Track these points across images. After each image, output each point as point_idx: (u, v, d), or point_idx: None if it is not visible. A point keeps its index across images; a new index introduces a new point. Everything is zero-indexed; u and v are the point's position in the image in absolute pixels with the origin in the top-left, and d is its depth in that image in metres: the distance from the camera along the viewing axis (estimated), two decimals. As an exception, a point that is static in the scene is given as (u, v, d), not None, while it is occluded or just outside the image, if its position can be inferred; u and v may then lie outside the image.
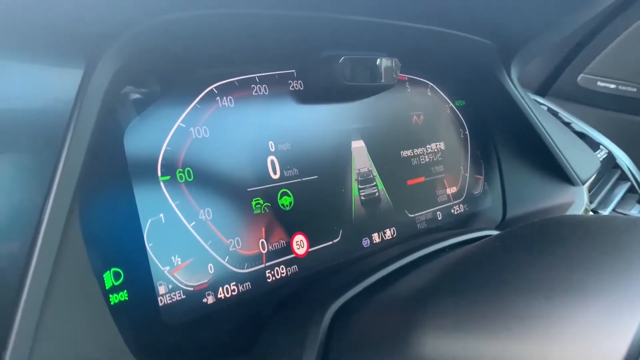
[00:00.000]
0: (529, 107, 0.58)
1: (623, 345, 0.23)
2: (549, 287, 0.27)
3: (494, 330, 0.26)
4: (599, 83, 0.78)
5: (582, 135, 0.75)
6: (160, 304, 0.31)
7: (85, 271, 0.27)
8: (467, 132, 0.58)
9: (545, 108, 0.75)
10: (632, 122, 0.77)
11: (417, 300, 0.31)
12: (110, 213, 0.30)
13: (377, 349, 0.30)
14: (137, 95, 0.32)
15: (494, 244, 0.37)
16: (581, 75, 0.79)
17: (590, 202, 0.65)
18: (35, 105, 0.26)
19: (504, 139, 0.60)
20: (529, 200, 0.61)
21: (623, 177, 0.75)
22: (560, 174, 0.61)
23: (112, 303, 0.29)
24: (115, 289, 0.29)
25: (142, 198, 0.31)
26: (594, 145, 0.74)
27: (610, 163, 0.74)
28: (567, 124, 0.74)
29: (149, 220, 0.31)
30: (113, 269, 0.29)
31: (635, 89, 0.76)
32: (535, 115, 0.58)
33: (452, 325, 0.27)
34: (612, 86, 0.77)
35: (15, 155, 0.25)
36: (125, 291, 0.30)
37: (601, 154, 0.72)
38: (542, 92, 0.81)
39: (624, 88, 0.76)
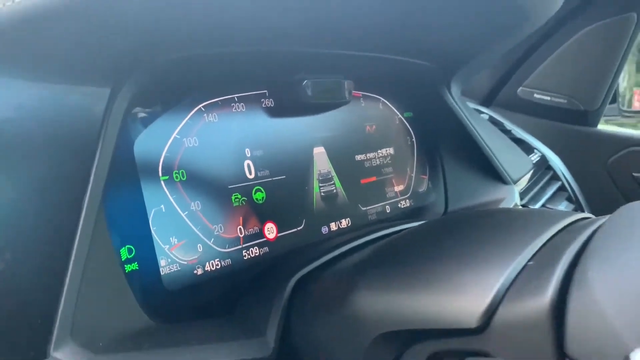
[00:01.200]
0: (466, 117, 0.69)
1: (488, 295, 0.33)
2: (446, 256, 0.38)
3: (404, 288, 0.36)
4: (535, 95, 0.89)
5: (520, 141, 0.86)
6: (162, 273, 0.40)
7: (108, 247, 0.37)
8: (414, 139, 0.68)
9: (487, 117, 0.86)
10: (563, 129, 0.89)
11: (356, 269, 0.41)
12: (125, 204, 0.39)
13: (327, 307, 0.40)
14: (143, 114, 0.41)
15: (421, 228, 0.47)
16: (520, 88, 0.90)
17: (522, 198, 0.76)
18: (73, 121, 0.34)
19: (446, 144, 0.71)
20: (467, 197, 0.71)
21: (555, 177, 0.86)
22: (494, 174, 0.71)
23: (126, 271, 0.38)
24: (128, 261, 0.39)
25: (148, 193, 0.40)
26: (529, 150, 0.85)
27: (543, 165, 0.85)
28: (507, 131, 0.85)
29: (153, 210, 0.41)
30: (127, 246, 0.39)
31: (565, 100, 0.87)
32: (472, 125, 0.69)
33: (380, 285, 0.37)
34: (547, 98, 0.88)
35: (59, 160, 0.34)
36: (136, 262, 0.39)
37: (535, 157, 0.83)
38: (487, 102, 0.91)
39: (556, 99, 0.88)
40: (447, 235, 0.43)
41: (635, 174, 0.86)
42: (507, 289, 0.33)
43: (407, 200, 0.65)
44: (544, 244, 0.38)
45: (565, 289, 0.32)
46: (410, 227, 0.49)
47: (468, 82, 0.74)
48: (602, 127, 0.91)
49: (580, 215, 0.44)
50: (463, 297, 0.34)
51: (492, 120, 0.84)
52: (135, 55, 0.36)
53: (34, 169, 0.32)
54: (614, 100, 0.99)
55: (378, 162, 0.61)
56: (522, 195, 0.76)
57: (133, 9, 0.32)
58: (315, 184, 0.53)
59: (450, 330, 0.33)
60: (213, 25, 0.38)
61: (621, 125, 0.98)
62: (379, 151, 0.62)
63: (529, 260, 0.36)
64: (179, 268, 0.41)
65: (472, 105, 0.86)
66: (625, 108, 1.02)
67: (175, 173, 0.42)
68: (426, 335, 0.35)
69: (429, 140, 0.70)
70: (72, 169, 0.33)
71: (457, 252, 0.39)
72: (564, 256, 0.34)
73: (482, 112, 0.86)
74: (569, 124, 0.88)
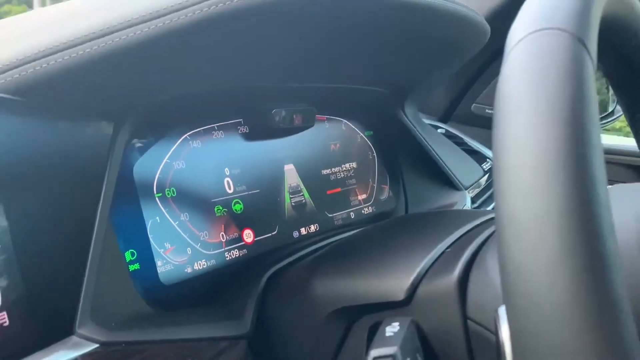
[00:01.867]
0: (420, 134, 0.79)
1: (412, 275, 0.43)
2: (384, 247, 0.48)
3: (348, 273, 0.46)
4: (487, 110, 0.99)
5: (474, 152, 0.96)
6: (159, 272, 0.50)
7: (116, 250, 0.46)
8: (375, 154, 0.78)
9: (444, 131, 0.96)
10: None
11: (314, 261, 0.51)
12: (127, 216, 0.49)
13: (291, 293, 0.49)
14: (140, 144, 0.51)
15: (369, 228, 0.57)
16: (473, 104, 1.01)
17: (474, 202, 0.86)
18: (85, 151, 0.44)
19: (404, 158, 0.81)
20: (425, 202, 0.81)
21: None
22: (447, 182, 0.81)
23: (130, 270, 0.48)
24: (132, 262, 0.48)
25: (145, 207, 0.50)
26: (483, 159, 0.96)
27: (496, 172, 0.95)
28: (462, 144, 0.95)
29: (150, 221, 0.50)
30: (130, 250, 0.48)
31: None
32: (426, 140, 0.79)
33: (331, 271, 0.47)
34: (497, 112, 0.98)
35: (76, 183, 0.43)
36: (138, 263, 0.49)
37: (487, 165, 0.94)
38: (445, 119, 1.02)
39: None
40: (389, 232, 0.54)
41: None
42: (427, 270, 0.43)
43: (370, 207, 0.75)
44: (462, 236, 0.48)
45: (468, 269, 0.42)
46: (363, 229, 0.59)
47: (421, 103, 0.84)
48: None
49: (499, 213, 0.54)
50: (393, 277, 0.44)
51: (449, 135, 0.94)
52: (134, 97, 0.46)
53: (57, 190, 0.41)
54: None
55: (342, 175, 0.71)
56: (475, 199, 0.86)
57: (134, 67, 0.42)
58: (287, 195, 0.63)
59: (384, 303, 0.43)
60: (195, 71, 0.48)
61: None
62: (342, 165, 0.72)
63: (447, 248, 0.46)
64: (172, 267, 0.51)
65: (430, 121, 0.96)
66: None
67: (167, 190, 0.52)
68: (367, 310, 0.44)
69: (389, 154, 0.80)
70: (86, 190, 0.43)
71: (393, 244, 0.49)
72: (471, 245, 0.44)
73: (439, 127, 0.96)
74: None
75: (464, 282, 0.41)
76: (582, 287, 0.23)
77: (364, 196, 0.74)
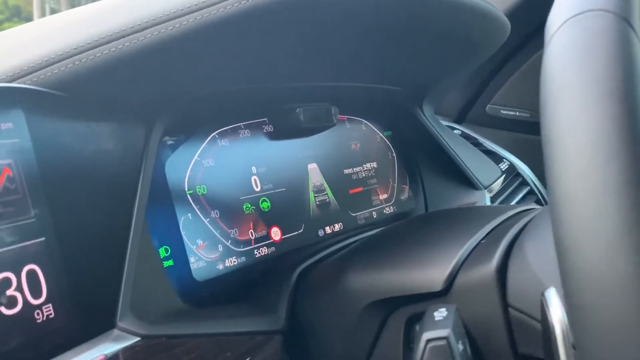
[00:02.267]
0: (439, 133, 0.79)
1: (449, 265, 0.43)
2: (418, 240, 0.48)
3: (384, 265, 0.46)
4: (502, 111, 1.00)
5: (490, 152, 0.96)
6: (192, 268, 0.50)
7: (151, 247, 0.46)
8: (394, 154, 0.78)
9: (460, 132, 0.96)
10: (528, 140, 1.00)
11: (347, 256, 0.51)
12: (161, 214, 0.49)
13: (325, 287, 0.49)
14: (171, 142, 0.52)
15: (399, 223, 0.57)
16: (488, 105, 1.01)
17: (493, 202, 0.86)
18: (122, 150, 0.44)
19: (423, 158, 0.81)
20: (444, 202, 0.81)
21: (524, 183, 0.96)
22: (467, 181, 0.81)
23: (165, 266, 0.48)
24: (166, 258, 0.48)
25: (178, 204, 0.50)
26: (499, 159, 0.96)
27: (512, 172, 0.95)
28: (478, 144, 0.95)
29: (182, 218, 0.51)
30: (164, 247, 0.49)
31: (529, 114, 0.98)
32: (444, 139, 0.79)
33: (365, 265, 0.47)
34: (512, 113, 0.99)
35: (114, 181, 0.43)
36: (172, 260, 0.49)
37: (504, 165, 0.94)
38: (460, 120, 1.03)
39: (520, 114, 0.99)
40: (419, 226, 0.54)
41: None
42: (464, 260, 0.43)
43: (391, 207, 0.75)
44: (494, 227, 0.48)
45: (507, 257, 0.42)
46: (389, 225, 0.59)
47: (439, 102, 0.85)
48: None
49: (527, 206, 0.54)
50: (430, 268, 0.44)
51: (465, 135, 0.95)
52: (165, 97, 0.46)
53: (96, 188, 0.41)
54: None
55: (364, 175, 0.72)
56: (494, 199, 0.86)
57: (167, 62, 0.42)
58: (311, 194, 0.63)
59: (421, 294, 0.43)
60: (223, 71, 0.48)
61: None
62: (363, 165, 0.72)
63: (481, 239, 0.46)
64: (204, 264, 0.51)
65: (446, 123, 0.97)
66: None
67: (198, 188, 0.52)
68: (404, 301, 0.44)
69: (408, 154, 0.80)
70: (123, 187, 0.43)
71: (426, 237, 0.49)
72: (507, 234, 0.44)
73: (455, 129, 0.97)
74: (534, 135, 0.99)
75: (503, 270, 0.41)
76: None
77: (385, 196, 0.74)
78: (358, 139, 0.73)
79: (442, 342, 0.33)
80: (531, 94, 0.98)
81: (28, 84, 0.38)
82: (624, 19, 0.29)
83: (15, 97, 0.37)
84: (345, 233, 0.65)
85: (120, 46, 0.40)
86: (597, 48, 0.28)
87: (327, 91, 0.65)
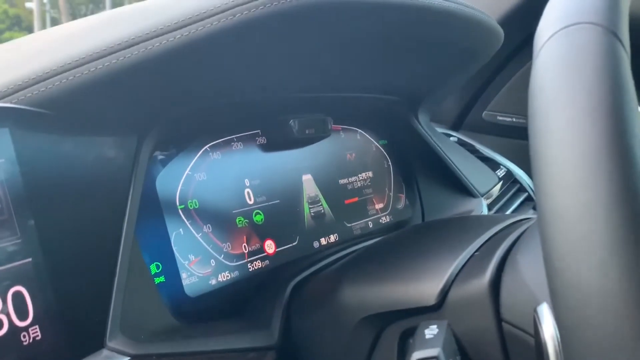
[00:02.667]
0: (435, 141, 0.79)
1: (442, 280, 0.42)
2: (411, 253, 0.47)
3: (377, 280, 0.45)
4: (498, 117, 0.99)
5: (487, 159, 0.96)
6: (184, 284, 0.50)
7: (142, 264, 0.46)
8: (390, 163, 0.78)
9: (456, 139, 0.96)
10: (525, 145, 0.99)
11: (340, 269, 0.50)
12: (152, 229, 0.48)
13: (318, 302, 0.49)
14: (162, 156, 0.51)
15: (392, 235, 0.57)
16: (485, 112, 1.01)
17: (490, 209, 0.85)
18: (110, 165, 0.44)
19: (419, 166, 0.81)
20: (441, 210, 0.81)
21: (521, 190, 0.96)
22: (463, 189, 0.81)
23: (156, 282, 0.47)
24: (157, 275, 0.48)
25: (169, 219, 0.50)
26: (496, 166, 0.95)
27: (509, 178, 0.95)
28: (475, 151, 0.95)
29: (174, 233, 0.50)
30: (155, 263, 0.48)
31: (525, 120, 0.98)
32: (440, 147, 0.79)
33: (358, 279, 0.47)
34: (508, 119, 0.99)
35: (102, 196, 0.43)
36: (163, 276, 0.48)
37: (501, 172, 0.93)
38: (456, 127, 1.02)
39: (517, 120, 0.98)
40: (413, 238, 0.53)
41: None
42: (457, 274, 0.43)
43: (387, 217, 0.74)
44: (488, 239, 0.47)
45: (500, 271, 0.41)
46: (384, 236, 0.58)
47: (434, 111, 0.84)
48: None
49: (523, 216, 0.54)
50: (423, 282, 0.43)
51: (461, 142, 0.94)
52: (156, 111, 0.46)
53: (84, 204, 0.41)
54: None
55: (359, 185, 0.71)
56: (491, 206, 0.85)
57: (156, 78, 0.42)
58: (306, 205, 0.63)
59: (415, 309, 0.43)
60: (214, 85, 0.48)
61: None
62: (359, 175, 0.72)
63: (475, 251, 0.45)
64: (197, 279, 0.51)
65: (442, 130, 0.96)
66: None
67: (190, 202, 0.52)
68: (398, 316, 0.44)
69: (404, 163, 0.79)
70: (112, 203, 0.43)
71: (419, 249, 0.48)
72: (500, 247, 0.44)
73: (452, 136, 0.96)
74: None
75: (496, 284, 0.40)
76: (637, 277, 0.23)
77: (381, 205, 0.74)
78: (353, 148, 0.72)
79: (432, 362, 0.33)
80: (527, 100, 0.98)
81: (14, 103, 0.38)
82: (611, 32, 0.28)
83: (0, 116, 0.36)
84: (341, 244, 0.65)
85: (107, 63, 0.39)
86: (585, 61, 0.27)
87: (321, 101, 0.65)
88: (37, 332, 0.36)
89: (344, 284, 0.47)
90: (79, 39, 0.43)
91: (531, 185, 0.97)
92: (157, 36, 0.39)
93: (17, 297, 0.35)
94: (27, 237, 0.36)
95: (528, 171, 0.97)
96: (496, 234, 0.48)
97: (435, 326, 0.37)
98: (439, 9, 0.50)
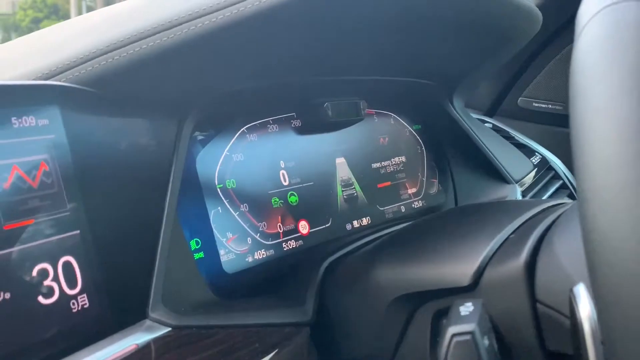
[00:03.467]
0: (469, 127, 0.78)
1: (477, 260, 0.42)
2: (447, 235, 0.48)
3: (412, 260, 0.46)
4: (534, 104, 0.98)
5: (522, 146, 0.95)
6: (222, 260, 0.51)
7: (182, 239, 0.47)
8: (423, 148, 0.78)
9: (491, 126, 0.95)
10: (560, 133, 0.98)
11: (374, 250, 0.51)
12: (192, 207, 0.50)
13: (352, 281, 0.50)
14: (201, 137, 0.52)
15: (427, 217, 0.57)
16: (520, 98, 0.99)
17: (524, 196, 0.85)
18: (154, 145, 0.45)
19: (453, 151, 0.80)
20: (475, 196, 0.80)
21: (556, 177, 0.95)
22: (498, 175, 0.80)
23: (195, 258, 0.49)
24: (196, 251, 0.50)
25: (208, 198, 0.51)
26: (531, 153, 0.94)
27: (544, 165, 0.94)
28: (510, 138, 0.94)
29: (212, 211, 0.51)
30: (195, 239, 0.50)
31: (561, 107, 0.96)
32: (475, 133, 0.78)
33: (393, 259, 0.47)
34: (544, 106, 0.97)
35: (147, 175, 0.44)
36: (202, 252, 0.50)
37: (536, 159, 0.92)
38: (491, 113, 1.01)
39: (553, 107, 0.97)
40: (448, 221, 0.53)
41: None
42: (492, 255, 0.43)
43: (420, 201, 0.74)
44: (524, 222, 0.47)
45: (536, 253, 0.41)
46: (418, 219, 0.58)
47: (469, 95, 0.84)
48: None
49: (557, 201, 0.53)
50: (458, 263, 0.43)
51: (496, 129, 0.93)
52: (195, 93, 0.47)
53: (128, 183, 0.43)
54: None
55: (392, 169, 0.72)
56: (525, 193, 0.84)
57: (197, 59, 0.43)
58: (339, 188, 0.63)
59: (449, 289, 0.43)
60: (252, 66, 0.49)
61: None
62: (392, 159, 0.72)
63: (511, 234, 0.46)
64: (234, 256, 0.52)
65: (477, 116, 0.96)
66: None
67: (228, 182, 0.53)
68: (431, 296, 0.44)
69: (437, 148, 0.79)
70: (155, 181, 0.44)
71: (454, 232, 0.49)
72: (536, 229, 0.44)
73: (486, 122, 0.95)
74: (567, 128, 0.97)
75: (532, 265, 0.41)
76: None
77: (413, 190, 0.74)
78: (386, 133, 0.73)
79: (468, 337, 0.33)
80: (564, 86, 0.96)
81: (63, 82, 0.40)
82: None
83: (51, 94, 0.38)
84: (373, 227, 0.66)
85: (151, 43, 0.40)
86: (631, 39, 0.27)
87: (355, 85, 0.65)
88: (85, 300, 0.37)
89: (378, 265, 0.48)
90: (123, 20, 0.44)
91: (566, 173, 0.95)
92: (198, 17, 0.40)
93: (67, 266, 0.37)
94: (75, 210, 0.38)
95: (563, 158, 0.95)
96: (532, 217, 0.48)
97: (470, 304, 0.37)
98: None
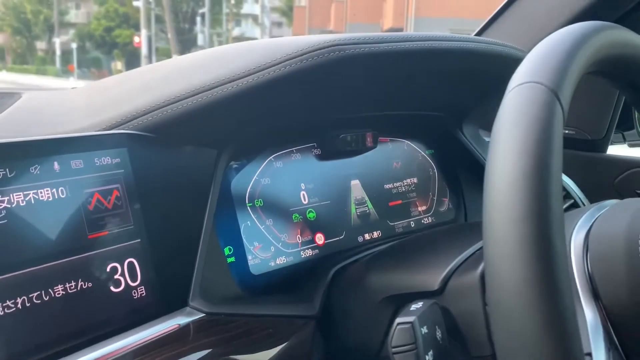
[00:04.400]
0: (479, 152, 0.88)
1: (445, 270, 0.53)
2: (430, 248, 0.59)
3: (397, 268, 0.57)
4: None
5: (535, 167, 1.03)
6: (249, 264, 0.64)
7: (218, 247, 0.61)
8: (435, 170, 0.88)
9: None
10: (574, 155, 1.05)
11: (372, 259, 0.63)
12: (226, 221, 0.63)
13: (352, 284, 0.61)
14: (236, 165, 0.66)
15: (425, 232, 0.68)
16: (535, 122, 1.07)
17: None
18: (197, 171, 0.58)
19: (464, 173, 0.90)
20: (482, 214, 0.90)
21: (567, 196, 1.02)
22: (505, 195, 0.90)
23: (228, 261, 0.62)
24: (229, 256, 0.63)
25: (239, 214, 0.65)
26: (543, 174, 1.02)
27: (556, 186, 1.01)
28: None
29: (243, 225, 0.65)
30: (228, 246, 0.63)
31: (574, 132, 1.04)
32: (484, 157, 0.88)
33: (383, 267, 0.59)
34: (558, 130, 1.05)
35: (191, 196, 0.58)
36: (234, 257, 0.63)
37: (546, 180, 1.00)
38: (507, 135, 1.10)
39: (565, 131, 1.04)
40: (434, 237, 0.64)
41: (638, 191, 1.00)
42: (458, 266, 0.54)
43: (430, 217, 0.85)
44: None
45: None
46: (413, 235, 0.70)
47: (481, 124, 0.93)
48: (613, 152, 1.07)
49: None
50: (430, 272, 0.55)
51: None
52: (232, 132, 0.61)
53: (177, 201, 0.56)
54: (633, 127, 1.14)
55: (403, 189, 0.83)
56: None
57: (235, 108, 0.56)
58: (352, 206, 0.75)
59: (423, 292, 0.54)
60: (278, 111, 0.62)
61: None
62: (404, 181, 0.83)
63: (477, 250, 0.56)
64: (259, 261, 0.65)
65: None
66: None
67: (257, 201, 0.66)
68: (411, 297, 0.55)
69: (449, 170, 0.89)
70: (197, 201, 0.58)
71: (435, 246, 0.60)
72: None
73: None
74: (579, 150, 1.05)
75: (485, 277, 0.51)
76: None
77: (424, 207, 0.85)
78: (400, 157, 0.84)
79: (408, 325, 0.44)
80: (575, 113, 1.04)
81: (130, 129, 0.54)
82: (552, 90, 0.39)
83: (121, 139, 0.52)
84: (383, 239, 0.77)
85: (198, 99, 0.54)
86: (526, 113, 0.38)
87: (370, 119, 0.77)
88: (142, 290, 0.51)
89: (372, 270, 0.60)
90: (178, 78, 0.58)
91: (577, 192, 1.03)
92: (233, 80, 0.53)
93: (130, 265, 0.51)
94: (137, 225, 0.52)
95: (576, 179, 1.03)
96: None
97: (421, 302, 0.48)
98: (459, 50, 0.60)
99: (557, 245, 0.34)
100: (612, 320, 0.43)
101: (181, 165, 0.57)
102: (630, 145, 1.10)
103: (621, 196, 1.03)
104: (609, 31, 0.45)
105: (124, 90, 0.62)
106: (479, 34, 1.07)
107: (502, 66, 0.68)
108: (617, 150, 1.15)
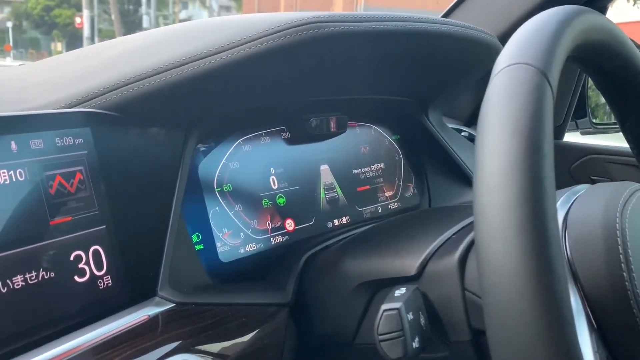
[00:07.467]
0: (443, 138, 0.88)
1: (422, 255, 0.53)
2: (404, 233, 0.58)
3: (372, 253, 0.56)
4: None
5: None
6: (218, 251, 0.62)
7: (186, 233, 0.58)
8: (401, 155, 0.88)
9: (467, 134, 1.05)
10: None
11: (344, 244, 0.62)
12: (194, 207, 0.60)
13: (325, 270, 0.60)
14: (203, 148, 0.63)
15: (393, 218, 0.68)
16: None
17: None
18: (164, 154, 0.55)
19: (428, 159, 0.90)
20: (447, 199, 0.90)
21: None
22: (468, 181, 0.90)
23: (196, 249, 0.60)
24: (197, 243, 0.60)
25: (207, 199, 0.62)
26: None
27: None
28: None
29: (211, 211, 0.62)
30: (196, 233, 0.60)
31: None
32: (448, 143, 0.88)
33: (358, 252, 0.58)
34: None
35: (158, 179, 0.54)
36: (202, 244, 0.60)
37: (507, 166, 1.02)
38: (470, 123, 1.11)
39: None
40: (407, 222, 0.64)
41: (592, 177, 1.04)
42: (435, 251, 0.53)
43: (396, 203, 0.85)
44: (465, 226, 0.57)
45: (467, 252, 0.52)
46: (384, 220, 0.69)
47: (446, 109, 0.94)
48: (566, 139, 1.10)
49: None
50: (407, 257, 0.54)
51: (470, 138, 1.03)
52: (200, 111, 0.58)
53: (142, 185, 0.53)
54: (585, 115, 1.18)
55: (371, 175, 0.82)
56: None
57: (203, 88, 0.53)
58: (322, 191, 0.74)
59: (399, 278, 0.53)
60: (248, 91, 0.59)
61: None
62: (371, 166, 0.82)
63: (453, 234, 0.56)
64: (229, 248, 0.63)
65: (455, 126, 1.05)
66: (596, 121, 1.20)
67: (225, 186, 0.64)
68: (386, 283, 0.55)
69: (414, 156, 0.89)
70: (164, 185, 0.55)
71: (409, 231, 0.59)
72: (471, 233, 0.54)
73: (463, 131, 1.05)
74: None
75: (463, 261, 0.51)
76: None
77: (390, 193, 0.84)
78: (367, 142, 0.83)
79: (394, 312, 0.43)
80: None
81: (93, 108, 0.50)
82: (541, 72, 0.38)
83: (84, 118, 0.49)
84: (352, 225, 0.76)
85: (164, 78, 0.51)
86: (516, 94, 0.37)
87: (339, 103, 0.75)
88: (109, 280, 0.48)
89: (346, 257, 0.59)
90: (140, 55, 0.55)
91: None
92: (201, 58, 0.50)
93: (96, 253, 0.47)
94: (102, 210, 0.48)
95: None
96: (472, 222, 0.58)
97: (404, 288, 0.48)
98: (436, 32, 0.59)
99: (551, 228, 0.34)
100: (591, 305, 0.44)
101: (147, 147, 0.54)
102: (583, 133, 1.14)
103: (576, 182, 1.06)
104: (588, 15, 0.45)
105: (85, 66, 0.58)
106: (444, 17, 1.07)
107: (473, 50, 0.68)
108: (570, 137, 1.18)
